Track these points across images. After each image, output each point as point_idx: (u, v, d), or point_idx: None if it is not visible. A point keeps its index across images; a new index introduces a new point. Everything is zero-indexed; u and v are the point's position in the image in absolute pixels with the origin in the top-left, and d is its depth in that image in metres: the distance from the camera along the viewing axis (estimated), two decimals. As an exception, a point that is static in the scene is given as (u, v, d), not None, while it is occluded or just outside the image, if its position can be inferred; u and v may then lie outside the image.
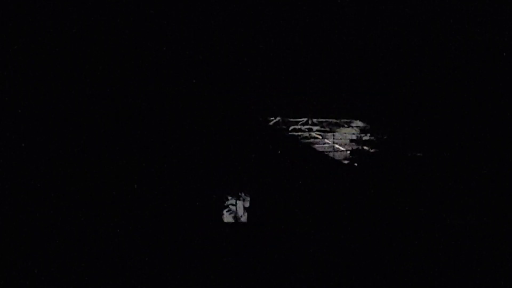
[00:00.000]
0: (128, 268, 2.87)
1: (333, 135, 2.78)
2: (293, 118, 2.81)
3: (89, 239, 2.91)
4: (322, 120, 2.79)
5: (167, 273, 2.87)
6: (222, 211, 2.88)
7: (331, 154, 2.77)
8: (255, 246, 2.83)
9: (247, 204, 2.85)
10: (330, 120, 2.78)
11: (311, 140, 2.79)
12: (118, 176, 2.88)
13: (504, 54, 2.81)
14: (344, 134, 2.79)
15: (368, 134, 2.77)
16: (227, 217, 2.87)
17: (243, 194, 2.86)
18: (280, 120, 2.81)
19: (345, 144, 2.78)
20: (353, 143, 2.78)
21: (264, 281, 2.80)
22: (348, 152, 2.78)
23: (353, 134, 2.78)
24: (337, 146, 2.78)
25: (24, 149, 2.91)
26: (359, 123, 2.79)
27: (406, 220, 2.75)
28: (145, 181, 2.89)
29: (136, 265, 2.87)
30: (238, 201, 2.88)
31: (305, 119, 2.80)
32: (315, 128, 2.79)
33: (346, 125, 2.79)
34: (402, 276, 2.75)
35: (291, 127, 2.81)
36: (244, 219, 2.85)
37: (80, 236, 2.93)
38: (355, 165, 2.75)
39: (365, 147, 2.77)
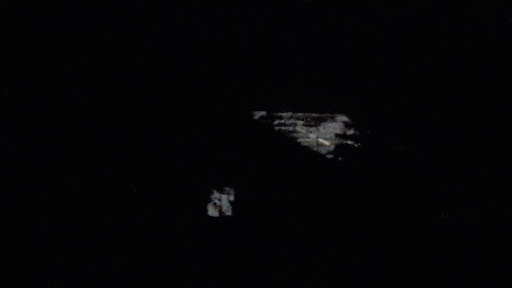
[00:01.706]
0: (107, 265, 2.84)
1: (318, 129, 2.82)
2: (278, 112, 2.84)
3: (71, 232, 2.87)
4: (306, 114, 2.82)
5: (149, 269, 2.85)
6: (207, 204, 2.87)
7: (315, 149, 2.81)
8: (241, 241, 2.83)
9: (232, 198, 2.86)
10: (315, 114, 2.82)
11: (295, 134, 2.82)
12: (99, 171, 2.85)
13: (492, 42, 2.89)
14: (329, 129, 2.83)
15: (353, 128, 2.82)
16: (212, 211, 2.87)
17: (228, 188, 2.86)
18: (265, 115, 2.84)
19: (330, 139, 2.83)
20: (338, 138, 2.82)
21: (250, 278, 2.80)
22: (333, 147, 2.82)
23: (337, 128, 2.83)
24: (321, 140, 2.82)
25: (24, 148, 2.87)
26: (344, 117, 2.84)
27: (393, 216, 2.80)
28: (127, 174, 2.86)
29: (116, 261, 2.85)
30: (222, 195, 2.87)
31: (289, 113, 2.83)
32: (299, 122, 2.82)
33: (330, 120, 2.83)
34: (391, 274, 2.80)
35: (276, 121, 2.83)
36: (229, 213, 2.85)
37: (63, 226, 2.89)
38: (339, 160, 2.80)
39: (350, 142, 2.81)
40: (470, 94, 2.81)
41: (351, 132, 2.80)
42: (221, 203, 2.85)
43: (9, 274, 2.77)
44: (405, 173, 2.78)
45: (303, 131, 2.83)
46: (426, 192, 2.79)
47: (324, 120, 2.83)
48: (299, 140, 2.83)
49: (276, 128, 2.83)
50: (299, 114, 2.83)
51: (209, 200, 2.85)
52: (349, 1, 2.78)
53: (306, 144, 2.83)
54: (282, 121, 2.83)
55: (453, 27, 2.82)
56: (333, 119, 2.83)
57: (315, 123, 2.82)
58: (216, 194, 2.85)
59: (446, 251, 2.79)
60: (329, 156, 2.80)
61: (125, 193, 2.82)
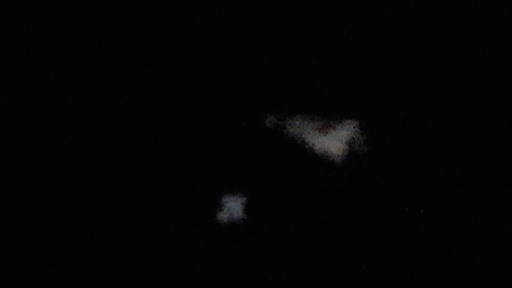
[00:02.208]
0: (111, 270, 2.87)
1: (327, 135, 2.72)
2: (288, 118, 2.76)
3: (71, 235, 2.90)
4: (316, 119, 2.73)
5: (156, 277, 2.86)
6: (216, 211, 2.84)
7: (324, 154, 2.71)
8: (253, 249, 2.79)
9: (241, 202, 2.81)
10: (324, 119, 2.72)
11: (305, 139, 2.73)
12: (102, 173, 2.88)
13: (502, 51, 2.75)
14: (338, 134, 2.73)
15: (363, 134, 2.70)
16: (222, 218, 2.83)
17: (237, 192, 2.81)
18: (275, 119, 2.77)
19: (339, 144, 2.72)
20: (347, 143, 2.71)
21: (259, 283, 2.76)
22: (342, 152, 2.72)
23: (347, 134, 2.72)
24: (330, 145, 2.72)
25: (24, 148, 2.93)
26: (354, 123, 2.72)
27: (404, 223, 2.68)
28: (134, 178, 2.88)
29: (121, 267, 2.87)
30: (232, 199, 2.83)
31: (299, 118, 2.75)
32: (309, 127, 2.73)
33: (340, 125, 2.73)
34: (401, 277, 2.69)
35: (286, 127, 2.76)
36: (240, 220, 2.80)
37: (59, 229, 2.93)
38: (348, 165, 2.69)
39: (359, 147, 2.70)
40: (482, 100, 2.64)
41: (360, 137, 2.69)
42: (230, 207, 2.81)
43: (9, 274, 2.80)
44: (417, 180, 2.64)
45: (312, 136, 2.74)
46: (438, 199, 2.65)
47: (334, 125, 2.72)
48: (309, 145, 2.74)
49: (285, 133, 2.76)
50: (308, 119, 2.74)
51: (218, 204, 2.82)
52: (363, 5, 2.68)
53: (315, 149, 2.73)
54: (292, 126, 2.75)
55: (466, 31, 2.67)
56: (342, 124, 2.72)
57: (324, 128, 2.72)
58: (225, 199, 2.82)
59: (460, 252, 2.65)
60: (338, 162, 2.70)
61: (133, 197, 2.84)
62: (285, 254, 2.74)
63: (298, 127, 2.74)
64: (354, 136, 2.68)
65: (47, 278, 2.79)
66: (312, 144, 2.74)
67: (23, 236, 2.85)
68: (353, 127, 2.71)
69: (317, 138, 2.73)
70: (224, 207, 2.81)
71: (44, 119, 2.92)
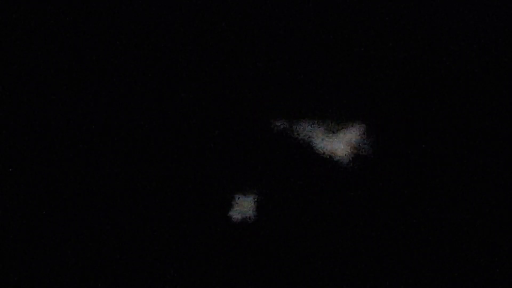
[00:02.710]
0: (125, 269, 2.96)
1: (334, 138, 2.87)
2: (296, 121, 2.92)
3: (87, 238, 2.98)
4: (323, 122, 2.88)
5: (168, 275, 2.94)
6: (229, 207, 3.00)
7: (331, 156, 2.86)
8: (265, 248, 2.93)
9: (253, 202, 2.97)
10: (331, 123, 2.88)
11: (312, 142, 2.89)
12: (118, 172, 3.00)
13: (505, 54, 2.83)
14: (345, 137, 2.87)
15: (370, 137, 2.84)
16: (235, 216, 2.99)
17: (249, 192, 2.98)
18: (285, 123, 2.93)
19: (346, 147, 2.87)
20: (354, 146, 2.86)
21: (274, 285, 2.89)
22: (348, 155, 2.86)
23: (354, 137, 2.86)
24: (337, 148, 2.87)
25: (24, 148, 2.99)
26: (361, 126, 2.87)
27: (410, 224, 2.80)
28: (146, 177, 3.01)
29: (134, 266, 2.97)
30: (244, 198, 2.99)
31: (308, 123, 2.90)
32: (316, 130, 2.88)
33: (347, 128, 2.87)
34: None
35: (296, 130, 2.91)
36: (250, 215, 2.96)
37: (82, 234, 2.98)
38: (355, 168, 2.83)
39: (366, 150, 2.84)
40: (485, 101, 2.75)
41: (367, 140, 2.83)
42: (243, 206, 2.97)
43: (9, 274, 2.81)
44: (420, 181, 2.76)
45: (320, 139, 2.89)
46: (443, 201, 2.77)
47: (340, 129, 2.87)
48: (316, 147, 2.89)
49: (295, 135, 2.91)
50: (316, 123, 2.90)
51: (231, 203, 2.98)
52: (368, 12, 2.81)
53: (322, 151, 2.89)
54: (301, 129, 2.91)
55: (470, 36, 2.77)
56: (349, 128, 2.87)
57: (331, 131, 2.87)
58: (238, 198, 2.98)
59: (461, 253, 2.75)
60: (345, 164, 2.85)
61: (146, 196, 3.01)
62: (292, 250, 2.89)
63: (307, 130, 2.90)
64: (360, 140, 2.83)
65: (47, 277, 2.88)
66: (320, 146, 2.89)
67: (23, 236, 2.92)
68: (359, 131, 2.86)
69: (324, 141, 2.89)
70: (236, 204, 2.98)
71: (47, 118, 3.01)
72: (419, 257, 2.79)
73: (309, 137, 2.90)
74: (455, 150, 2.79)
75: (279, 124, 2.92)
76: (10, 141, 2.99)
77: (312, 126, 2.91)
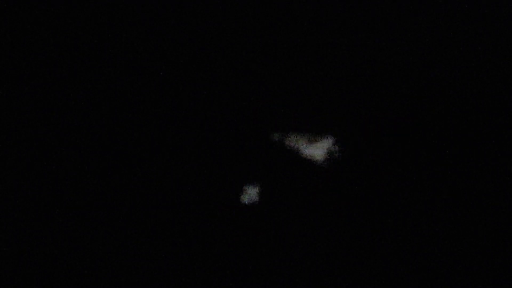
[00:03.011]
0: (133, 250, 3.15)
1: (312, 144, 3.91)
2: (288, 134, 3.92)
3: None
4: (305, 134, 3.92)
5: (178, 258, 3.24)
6: (238, 193, 3.88)
7: (311, 160, 3.89)
8: (271, 232, 3.72)
9: (257, 189, 3.87)
10: (310, 134, 3.92)
11: (298, 149, 3.90)
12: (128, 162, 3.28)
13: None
14: (321, 146, 3.93)
15: (340, 145, 3.92)
16: (242, 199, 3.86)
17: (254, 181, 3.88)
18: (280, 135, 3.91)
19: (322, 153, 3.91)
20: (328, 152, 3.92)
21: (281, 268, 3.51)
22: (325, 159, 3.91)
23: (327, 145, 3.92)
24: (315, 153, 3.91)
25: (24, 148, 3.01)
26: (332, 136, 3.94)
27: (377, 219, 3.84)
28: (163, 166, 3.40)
29: (141, 250, 3.16)
30: (250, 187, 3.88)
31: (295, 134, 3.92)
32: (301, 139, 3.91)
33: (322, 139, 3.93)
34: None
35: (288, 140, 3.91)
36: (255, 201, 3.85)
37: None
38: (330, 168, 3.89)
39: (337, 155, 3.91)
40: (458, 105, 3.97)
41: (337, 148, 3.91)
42: (249, 192, 3.85)
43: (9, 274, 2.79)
44: (385, 184, 3.90)
45: (303, 146, 3.92)
46: (409, 202, 3.91)
47: (318, 139, 3.93)
48: (300, 153, 3.91)
49: (286, 144, 3.91)
50: (300, 134, 3.93)
51: (240, 189, 3.85)
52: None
53: (304, 156, 3.91)
54: (290, 139, 3.91)
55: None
56: (324, 138, 3.94)
57: (311, 140, 3.92)
58: (245, 185, 3.86)
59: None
60: (321, 164, 3.89)
61: (158, 179, 3.73)
62: (291, 238, 3.83)
63: (295, 140, 3.92)
64: (333, 147, 3.92)
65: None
66: (303, 152, 3.92)
67: (23, 236, 2.98)
68: (330, 141, 3.94)
69: (307, 148, 3.92)
70: (243, 193, 3.87)
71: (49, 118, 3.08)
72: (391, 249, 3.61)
73: (296, 145, 3.91)
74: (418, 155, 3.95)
75: (277, 135, 3.89)
76: (10, 141, 3.04)
77: (298, 137, 3.93)
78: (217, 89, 3.82)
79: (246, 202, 3.79)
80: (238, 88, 3.84)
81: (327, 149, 3.91)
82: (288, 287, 3.66)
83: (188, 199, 3.78)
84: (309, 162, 3.90)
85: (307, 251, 3.79)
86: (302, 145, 3.88)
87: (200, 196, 3.79)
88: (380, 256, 3.77)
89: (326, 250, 3.75)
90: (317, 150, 3.89)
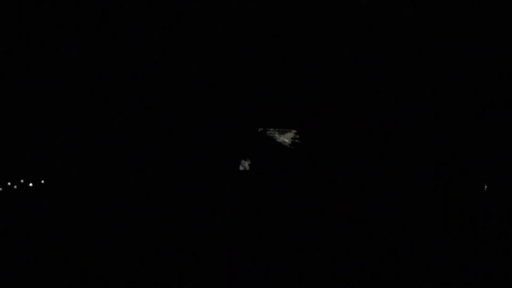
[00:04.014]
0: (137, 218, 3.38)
1: (282, 136, 6.42)
2: (274, 130, 6.44)
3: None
4: (280, 129, 6.42)
5: (177, 230, 3.63)
6: (237, 165, 6.41)
7: (282, 146, 6.40)
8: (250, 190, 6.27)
9: (248, 164, 6.38)
10: (282, 128, 6.42)
11: (276, 138, 6.41)
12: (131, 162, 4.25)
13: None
14: (287, 136, 6.43)
15: (302, 135, 6.42)
16: (240, 168, 6.40)
17: (246, 157, 6.40)
18: (272, 131, 6.44)
19: (289, 142, 6.40)
20: (292, 140, 6.41)
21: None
22: (291, 146, 6.41)
23: (291, 135, 6.42)
24: (285, 141, 6.41)
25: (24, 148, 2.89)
26: (294, 130, 6.44)
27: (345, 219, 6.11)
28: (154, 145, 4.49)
29: (142, 243, 3.33)
30: (244, 162, 6.40)
31: (275, 130, 6.43)
32: (276, 132, 6.42)
33: (289, 131, 6.44)
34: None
35: (271, 134, 6.44)
36: (246, 187, 6.35)
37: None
38: (294, 150, 6.38)
39: (298, 142, 6.41)
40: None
41: (299, 137, 6.40)
42: (243, 163, 6.37)
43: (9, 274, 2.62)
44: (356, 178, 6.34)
45: (278, 137, 6.44)
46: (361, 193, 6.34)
47: (286, 132, 6.44)
48: (276, 140, 6.44)
49: (271, 136, 6.44)
50: (278, 130, 6.45)
51: (238, 162, 6.36)
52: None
53: (279, 142, 6.43)
54: (274, 133, 6.44)
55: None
56: (289, 132, 6.44)
57: (283, 133, 6.43)
58: (241, 159, 6.38)
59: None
60: (288, 147, 6.39)
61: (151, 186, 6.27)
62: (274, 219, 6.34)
63: (274, 133, 6.45)
64: (295, 136, 6.42)
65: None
66: (278, 139, 6.45)
67: (23, 236, 2.78)
68: (294, 133, 6.43)
69: (280, 137, 6.44)
70: (240, 164, 6.41)
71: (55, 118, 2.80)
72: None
73: (274, 136, 6.43)
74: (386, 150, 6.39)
75: (261, 128, 6.42)
76: (10, 141, 2.86)
77: (275, 131, 6.44)
78: (222, 93, 6.33)
79: (242, 169, 6.32)
80: (238, 92, 6.38)
81: (291, 138, 6.43)
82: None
83: (202, 170, 6.26)
84: (281, 145, 6.41)
85: (282, 199, 6.29)
86: (276, 134, 6.40)
87: (212, 167, 6.32)
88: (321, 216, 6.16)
89: (292, 197, 6.25)
90: (285, 138, 6.41)
